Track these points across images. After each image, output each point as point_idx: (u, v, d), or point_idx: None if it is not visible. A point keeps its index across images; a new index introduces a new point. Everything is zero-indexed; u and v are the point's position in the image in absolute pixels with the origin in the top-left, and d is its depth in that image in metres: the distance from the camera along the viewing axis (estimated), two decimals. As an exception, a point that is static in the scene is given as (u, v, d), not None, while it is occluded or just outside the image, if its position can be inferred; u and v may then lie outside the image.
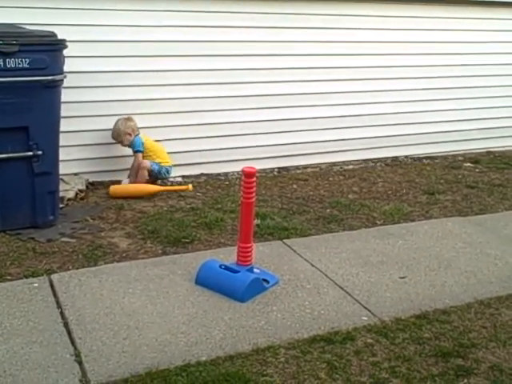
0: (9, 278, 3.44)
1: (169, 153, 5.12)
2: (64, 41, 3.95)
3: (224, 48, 5.23)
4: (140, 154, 4.97)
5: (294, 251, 3.94)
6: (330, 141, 5.95)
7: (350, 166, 6.04)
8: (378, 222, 4.58)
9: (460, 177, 5.88)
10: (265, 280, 3.43)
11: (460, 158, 6.55)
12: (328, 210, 4.77)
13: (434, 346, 2.98)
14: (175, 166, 5.16)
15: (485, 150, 6.84)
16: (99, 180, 5.02)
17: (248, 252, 3.41)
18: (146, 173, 4.98)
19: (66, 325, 2.98)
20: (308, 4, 5.51)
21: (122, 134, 4.90)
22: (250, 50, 5.36)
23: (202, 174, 5.42)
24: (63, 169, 4.33)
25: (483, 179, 5.84)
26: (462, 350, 2.96)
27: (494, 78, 6.65)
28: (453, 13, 6.23)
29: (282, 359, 2.82)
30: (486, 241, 4.27)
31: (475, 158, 6.52)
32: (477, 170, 6.15)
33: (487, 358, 2.91)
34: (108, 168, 5.06)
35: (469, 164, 6.35)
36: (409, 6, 6.00)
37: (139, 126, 4.97)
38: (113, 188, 4.82)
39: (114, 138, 4.93)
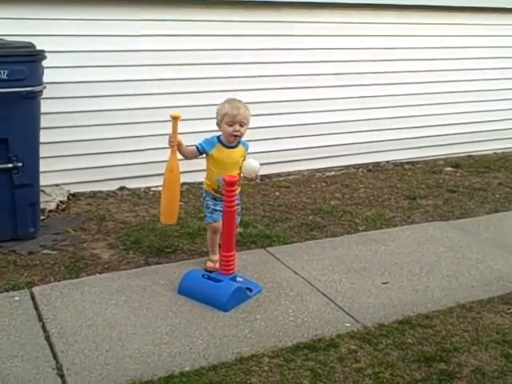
0: (-11, 291, 3.41)
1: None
2: (43, 51, 3.93)
3: (204, 57, 5.25)
4: None
5: (277, 259, 3.94)
6: (311, 148, 5.97)
7: (332, 173, 6.06)
8: (360, 228, 4.60)
9: (441, 181, 5.92)
10: (248, 288, 3.43)
11: (441, 163, 6.60)
12: (310, 217, 4.78)
13: (417, 351, 2.99)
14: (156, 175, 5.12)
15: (465, 155, 6.90)
16: (81, 191, 4.99)
17: (231, 261, 3.41)
18: None
19: (47, 338, 2.95)
20: (287, 12, 5.55)
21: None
22: (230, 58, 5.37)
23: (184, 183, 5.39)
24: (44, 180, 4.30)
25: (464, 183, 5.89)
26: (445, 354, 2.97)
27: (474, 83, 6.72)
28: (441, 19, 6.31)
29: (266, 368, 2.81)
30: (467, 245, 4.30)
31: (456, 163, 6.57)
32: (457, 175, 6.20)
33: (470, 361, 2.93)
34: (89, 179, 5.04)
35: (449, 168, 6.40)
36: (392, 12, 6.07)
37: (120, 136, 4.94)
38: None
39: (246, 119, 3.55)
